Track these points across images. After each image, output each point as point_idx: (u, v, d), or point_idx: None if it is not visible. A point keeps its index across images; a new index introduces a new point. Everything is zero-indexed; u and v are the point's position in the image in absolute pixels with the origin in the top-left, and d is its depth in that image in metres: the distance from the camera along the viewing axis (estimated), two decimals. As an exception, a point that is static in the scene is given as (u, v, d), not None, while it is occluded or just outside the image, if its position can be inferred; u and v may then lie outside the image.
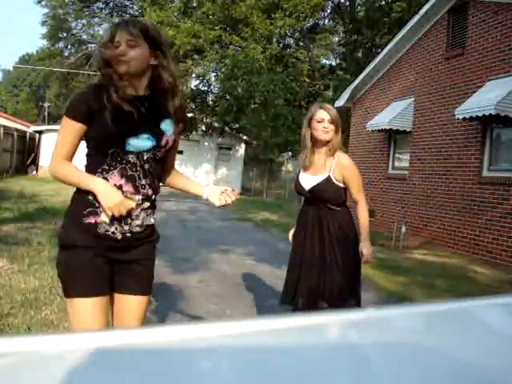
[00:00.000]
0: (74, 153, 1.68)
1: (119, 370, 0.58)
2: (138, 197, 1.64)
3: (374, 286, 4.90)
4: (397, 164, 9.89)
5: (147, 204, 1.68)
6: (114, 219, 1.61)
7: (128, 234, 1.65)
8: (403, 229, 7.62)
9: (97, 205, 1.61)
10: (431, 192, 8.37)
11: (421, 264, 6.41)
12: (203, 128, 19.82)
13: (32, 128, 21.45)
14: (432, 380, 0.59)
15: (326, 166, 2.62)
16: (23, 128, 21.30)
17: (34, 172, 19.64)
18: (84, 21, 24.23)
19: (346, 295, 2.59)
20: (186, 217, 10.23)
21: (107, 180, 1.61)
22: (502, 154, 7.19)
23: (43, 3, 22.87)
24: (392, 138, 9.93)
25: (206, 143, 21.89)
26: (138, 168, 1.64)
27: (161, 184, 1.81)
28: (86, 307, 1.62)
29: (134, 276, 1.72)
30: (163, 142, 1.68)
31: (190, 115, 19.34)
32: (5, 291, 3.59)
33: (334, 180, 2.61)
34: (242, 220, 10.58)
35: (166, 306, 3.72)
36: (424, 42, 9.03)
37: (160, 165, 1.73)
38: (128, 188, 1.62)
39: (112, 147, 1.62)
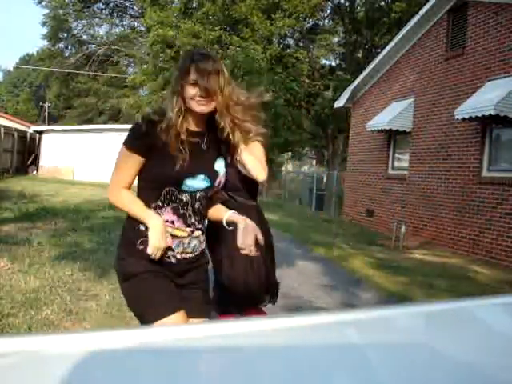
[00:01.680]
0: (132, 181, 1.68)
1: (119, 369, 0.58)
2: (189, 229, 1.67)
3: (374, 286, 4.90)
4: (396, 164, 9.89)
5: (198, 233, 1.71)
6: (167, 248, 1.64)
7: (182, 260, 1.68)
8: (403, 229, 7.62)
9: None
10: (431, 192, 8.37)
11: (420, 264, 6.41)
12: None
13: (32, 128, 21.43)
14: (432, 379, 0.59)
15: None
16: (23, 128, 21.28)
17: (35, 172, 19.63)
18: (84, 21, 24.26)
19: None
20: (186, 217, 10.20)
21: (160, 215, 1.63)
22: (502, 154, 7.19)
23: (44, 3, 22.88)
24: (392, 138, 9.93)
25: (206, 143, 21.84)
26: (189, 207, 1.66)
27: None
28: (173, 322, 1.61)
29: (192, 300, 1.72)
30: (217, 183, 1.70)
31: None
32: (5, 291, 3.59)
33: None
34: (242, 220, 10.55)
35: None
36: (424, 43, 9.03)
37: (208, 203, 1.75)
38: (180, 224, 1.66)
39: (168, 186, 1.62)
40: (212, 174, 1.67)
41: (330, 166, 18.28)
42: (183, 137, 1.58)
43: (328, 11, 20.33)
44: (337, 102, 12.19)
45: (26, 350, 0.59)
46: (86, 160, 18.21)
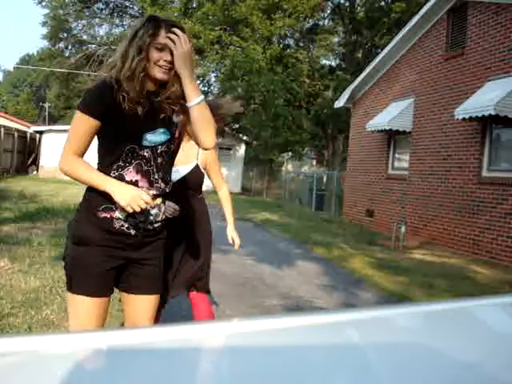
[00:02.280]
0: (85, 149, 1.64)
1: (119, 369, 0.58)
2: (153, 192, 1.64)
3: (374, 286, 4.90)
4: (396, 164, 9.89)
5: (159, 200, 1.68)
6: (128, 215, 1.61)
7: (141, 230, 1.66)
8: (403, 229, 7.62)
9: (112, 201, 1.59)
10: (431, 192, 8.37)
11: (420, 264, 6.41)
12: (203, 128, 19.78)
13: (32, 128, 21.44)
14: (432, 379, 0.59)
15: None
16: (24, 128, 21.29)
17: (35, 172, 19.64)
18: (84, 21, 24.26)
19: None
20: (186, 217, 10.20)
21: (123, 176, 1.61)
22: (502, 154, 7.19)
23: (44, 4, 22.88)
24: (392, 138, 9.93)
25: (206, 143, 21.85)
26: (152, 163, 1.64)
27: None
28: (87, 306, 1.64)
29: (145, 276, 1.72)
30: (177, 134, 1.71)
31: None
32: (5, 291, 3.59)
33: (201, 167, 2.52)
34: (242, 220, 10.57)
35: (166, 306, 3.72)
36: (424, 43, 9.03)
37: (171, 158, 1.73)
38: (143, 183, 1.63)
39: (129, 144, 1.61)
40: (170, 126, 1.68)
41: (330, 166, 18.29)
42: (138, 97, 1.60)
43: (328, 11, 20.34)
44: (337, 102, 12.19)
45: (26, 350, 0.59)
46: (85, 160, 18.19)
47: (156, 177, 1.65)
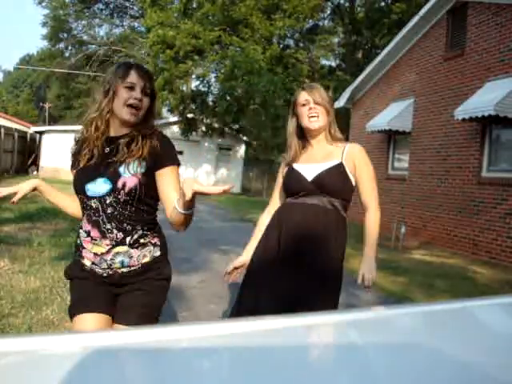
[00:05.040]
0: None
1: (119, 369, 0.58)
2: (106, 242, 1.63)
3: (373, 286, 4.89)
4: (396, 165, 9.90)
5: (122, 248, 1.63)
6: (92, 263, 1.67)
7: (114, 274, 1.66)
8: (403, 229, 7.62)
9: (80, 249, 1.69)
10: (431, 192, 8.37)
11: (420, 264, 6.41)
12: (203, 129, 19.83)
13: (33, 129, 21.45)
14: (432, 380, 0.59)
15: (335, 153, 2.07)
16: (24, 129, 21.30)
17: (35, 172, 19.63)
18: (84, 22, 24.27)
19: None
20: (186, 217, 10.21)
21: (82, 226, 1.69)
22: (502, 154, 7.20)
23: (44, 4, 22.89)
24: (392, 138, 9.93)
25: (206, 144, 21.89)
26: (101, 213, 1.63)
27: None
28: (81, 322, 1.64)
29: (126, 307, 1.68)
30: (119, 184, 1.61)
31: (190, 116, 19.37)
32: (5, 291, 3.59)
33: (346, 169, 2.05)
34: (242, 220, 10.57)
35: (166, 306, 3.72)
36: (423, 43, 9.04)
37: (133, 207, 1.64)
38: (95, 233, 1.65)
39: (78, 195, 1.69)
40: (113, 176, 1.62)
41: (330, 166, 18.26)
42: (96, 142, 1.66)
43: (328, 12, 20.35)
44: (336, 102, 12.17)
45: (26, 350, 0.59)
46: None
47: (108, 227, 1.63)
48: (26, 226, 6.62)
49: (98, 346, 0.62)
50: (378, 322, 0.82)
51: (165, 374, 0.56)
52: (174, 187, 1.65)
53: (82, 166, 1.67)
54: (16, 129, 19.38)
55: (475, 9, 7.69)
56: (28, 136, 20.67)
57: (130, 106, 1.62)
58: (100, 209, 1.63)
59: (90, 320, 1.63)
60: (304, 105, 2.07)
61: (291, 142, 2.15)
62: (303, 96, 2.08)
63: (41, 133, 20.34)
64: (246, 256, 2.20)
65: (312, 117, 2.05)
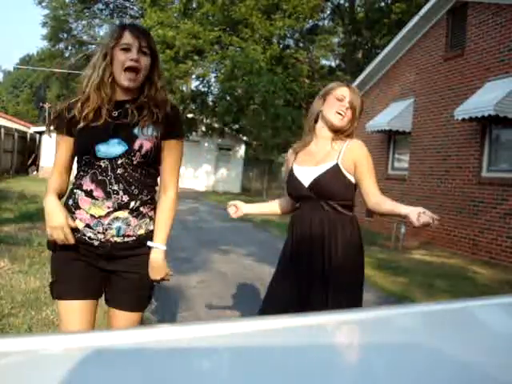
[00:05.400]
0: (67, 164, 1.70)
1: (119, 369, 0.58)
2: (108, 203, 1.58)
3: (373, 286, 4.90)
4: (396, 165, 9.90)
5: (123, 213, 1.60)
6: (86, 226, 1.60)
7: (105, 243, 1.60)
8: (403, 229, 7.62)
9: (73, 210, 1.62)
10: (431, 192, 8.37)
11: (420, 264, 6.41)
12: (203, 129, 19.84)
13: (32, 129, 21.46)
14: (432, 380, 0.59)
15: (332, 154, 2.02)
16: (24, 129, 21.31)
17: (35, 172, 19.64)
18: (84, 22, 24.26)
19: None
20: (187, 217, 10.22)
21: (82, 185, 1.61)
22: (501, 154, 7.20)
23: (44, 4, 22.88)
24: (391, 138, 9.93)
25: (206, 144, 21.89)
26: (109, 173, 1.59)
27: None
28: (67, 310, 1.62)
29: (121, 290, 1.65)
30: (136, 146, 1.59)
31: (190, 116, 19.37)
32: (5, 291, 3.59)
33: (342, 169, 2.00)
34: (241, 220, 10.57)
35: (166, 306, 3.72)
36: (423, 43, 9.04)
37: (144, 170, 1.63)
38: (98, 193, 1.59)
39: (84, 155, 1.62)
40: (128, 138, 1.59)
41: (330, 166, 18.26)
42: (102, 104, 1.59)
43: (328, 12, 20.35)
44: (337, 102, 12.18)
45: (26, 350, 0.59)
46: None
47: (114, 188, 1.59)
48: (25, 226, 6.61)
49: (97, 345, 0.62)
50: (378, 321, 0.82)
51: (165, 374, 0.56)
52: (170, 165, 1.68)
53: (82, 125, 1.58)
54: (16, 129, 19.38)
55: (475, 9, 7.69)
56: (28, 136, 20.67)
57: (129, 68, 1.55)
58: (109, 168, 1.59)
59: (78, 307, 1.61)
60: (340, 99, 2.02)
61: (308, 127, 2.12)
62: (344, 91, 2.03)
63: (41, 133, 20.34)
64: (246, 207, 2.26)
65: (339, 113, 2.01)
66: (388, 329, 0.80)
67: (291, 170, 2.12)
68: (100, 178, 1.59)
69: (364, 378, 0.59)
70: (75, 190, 1.64)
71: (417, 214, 1.87)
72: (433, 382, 0.59)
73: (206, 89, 19.73)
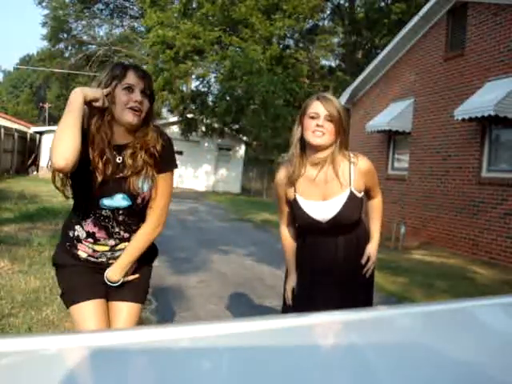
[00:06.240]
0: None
1: (119, 369, 0.58)
2: (111, 242, 1.68)
3: (373, 286, 4.89)
4: (396, 165, 9.90)
5: (125, 244, 1.70)
6: (89, 256, 1.68)
7: (111, 261, 1.70)
8: (402, 229, 7.62)
9: (75, 242, 1.68)
10: (430, 192, 8.37)
11: (420, 264, 6.41)
12: (203, 129, 19.84)
13: (32, 129, 21.45)
14: (432, 380, 0.59)
15: (341, 181, 1.92)
16: (24, 129, 21.31)
17: (35, 172, 19.64)
18: (84, 22, 24.27)
19: None
20: (186, 217, 10.23)
21: (83, 225, 1.66)
22: (501, 154, 7.20)
23: (44, 4, 22.89)
24: (391, 138, 9.93)
25: (206, 144, 21.89)
26: (112, 220, 1.65)
27: None
28: (82, 312, 1.66)
29: (122, 286, 1.73)
30: (139, 201, 1.64)
31: (190, 116, 19.37)
32: (5, 291, 3.59)
33: (355, 192, 1.96)
34: (241, 220, 10.58)
35: (166, 306, 3.72)
36: (423, 43, 9.04)
37: (143, 209, 1.70)
38: (101, 235, 1.66)
39: (87, 202, 1.64)
40: (132, 193, 1.61)
41: (330, 166, 18.24)
42: (106, 152, 1.55)
43: (328, 12, 20.36)
44: (337, 102, 12.18)
45: (26, 350, 0.59)
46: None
47: (116, 230, 1.67)
48: (25, 226, 6.61)
49: (97, 345, 0.62)
50: (378, 321, 0.82)
51: (165, 373, 0.56)
52: (161, 193, 1.68)
53: (88, 177, 1.54)
54: (16, 129, 19.38)
55: (475, 9, 7.69)
56: (28, 136, 20.67)
57: (132, 109, 1.54)
58: (111, 217, 1.65)
59: (92, 307, 1.66)
60: (312, 117, 1.86)
61: (293, 156, 1.94)
62: (315, 107, 1.87)
63: (41, 133, 20.33)
64: (293, 274, 2.13)
65: (316, 132, 1.85)
66: (388, 329, 0.80)
67: (297, 203, 1.98)
68: (103, 223, 1.65)
69: (364, 378, 0.59)
70: (76, 226, 1.68)
71: (367, 256, 2.13)
72: (433, 382, 0.59)
73: (205, 89, 19.73)
